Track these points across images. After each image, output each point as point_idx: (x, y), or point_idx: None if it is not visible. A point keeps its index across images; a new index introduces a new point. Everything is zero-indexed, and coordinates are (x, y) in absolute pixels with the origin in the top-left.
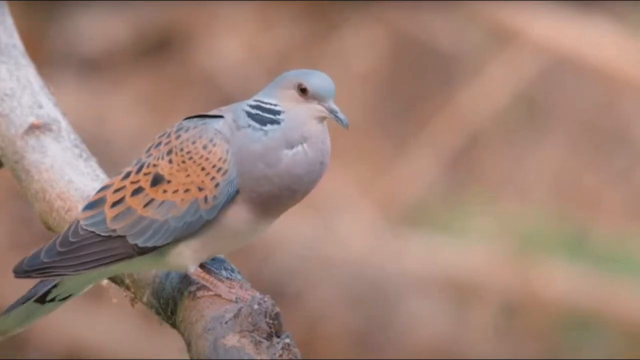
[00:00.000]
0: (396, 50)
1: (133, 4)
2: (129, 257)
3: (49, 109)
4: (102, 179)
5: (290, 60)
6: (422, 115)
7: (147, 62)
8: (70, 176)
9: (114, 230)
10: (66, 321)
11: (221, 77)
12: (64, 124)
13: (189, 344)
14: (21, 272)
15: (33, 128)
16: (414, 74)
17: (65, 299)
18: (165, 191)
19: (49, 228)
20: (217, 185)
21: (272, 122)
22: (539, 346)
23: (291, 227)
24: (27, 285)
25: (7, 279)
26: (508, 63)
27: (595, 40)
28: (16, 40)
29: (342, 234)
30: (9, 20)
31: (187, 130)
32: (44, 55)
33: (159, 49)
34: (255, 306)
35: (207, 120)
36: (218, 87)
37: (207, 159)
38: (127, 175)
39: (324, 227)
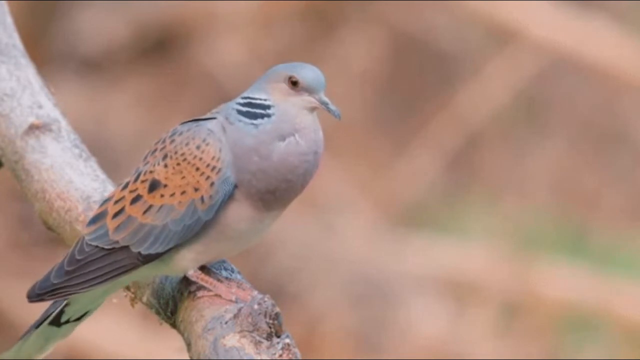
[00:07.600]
0: (396, 50)
1: (133, 4)
2: (135, 267)
3: (49, 109)
4: (102, 179)
5: (290, 60)
6: (422, 115)
7: (147, 62)
8: (70, 176)
9: (117, 242)
10: None
11: (221, 77)
12: (63, 124)
13: (189, 344)
14: (34, 296)
15: (33, 128)
16: (414, 74)
17: (79, 318)
18: (162, 195)
19: (49, 228)
20: (212, 184)
21: (263, 116)
22: (539, 346)
23: (291, 227)
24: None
25: (7, 279)
26: (508, 63)
27: (595, 40)
28: (16, 40)
29: (342, 234)
30: (9, 20)
31: (180, 134)
32: (44, 55)
33: (159, 49)
34: (255, 306)
35: (201, 122)
36: (218, 87)
37: (200, 158)
38: (126, 185)
39: (324, 227)
